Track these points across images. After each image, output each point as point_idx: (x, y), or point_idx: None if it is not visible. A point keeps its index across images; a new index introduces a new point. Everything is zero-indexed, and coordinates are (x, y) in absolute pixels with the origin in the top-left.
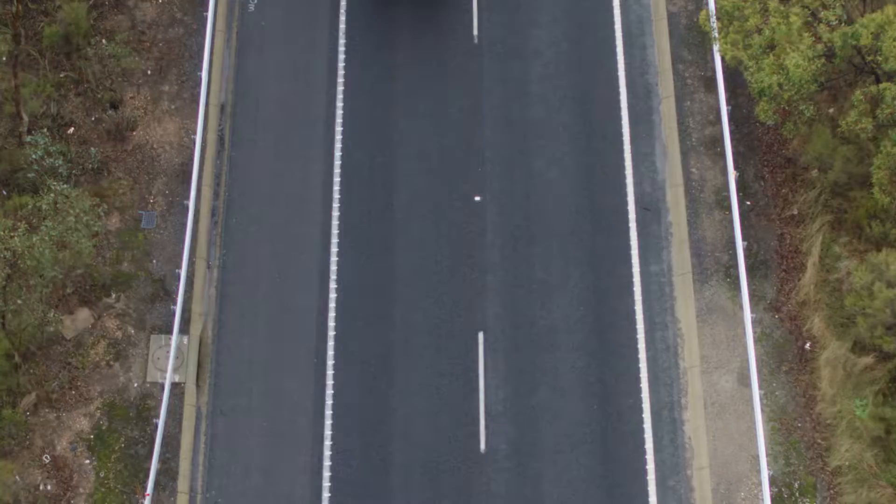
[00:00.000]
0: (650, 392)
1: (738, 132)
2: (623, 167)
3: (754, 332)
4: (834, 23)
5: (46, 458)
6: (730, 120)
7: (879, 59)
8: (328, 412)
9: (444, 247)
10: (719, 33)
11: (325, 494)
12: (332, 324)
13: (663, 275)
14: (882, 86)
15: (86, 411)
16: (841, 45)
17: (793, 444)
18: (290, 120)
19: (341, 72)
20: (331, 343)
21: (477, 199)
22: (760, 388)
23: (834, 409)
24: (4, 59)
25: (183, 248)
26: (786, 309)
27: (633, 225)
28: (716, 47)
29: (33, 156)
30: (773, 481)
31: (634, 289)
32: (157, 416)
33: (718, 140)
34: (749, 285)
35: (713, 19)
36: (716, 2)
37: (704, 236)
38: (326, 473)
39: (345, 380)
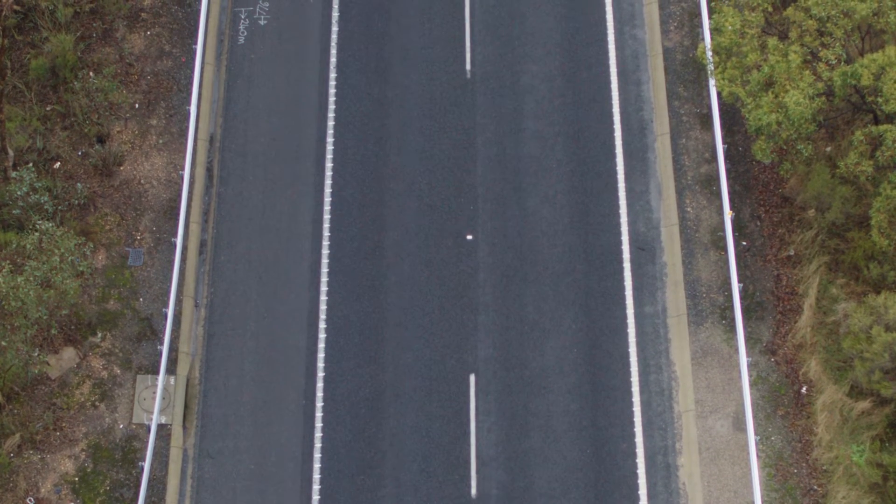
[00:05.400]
0: (644, 436)
1: (734, 171)
2: (617, 206)
3: (750, 376)
4: (833, 62)
5: (30, 500)
6: (726, 158)
7: (880, 100)
8: (317, 455)
9: (435, 287)
10: (716, 68)
11: None
12: (321, 364)
13: (658, 316)
14: (882, 127)
15: (70, 453)
16: (841, 85)
17: (789, 491)
18: (279, 155)
19: (332, 106)
20: (320, 384)
21: (469, 237)
22: (756, 432)
23: (831, 455)
24: None
25: (170, 286)
26: (782, 352)
27: (627, 265)
28: (712, 83)
29: (18, 192)
30: None
31: (629, 331)
32: (143, 459)
33: (714, 178)
34: (745, 328)
35: (709, 53)
36: (713, 37)
37: (700, 277)
38: None
39: (334, 422)
